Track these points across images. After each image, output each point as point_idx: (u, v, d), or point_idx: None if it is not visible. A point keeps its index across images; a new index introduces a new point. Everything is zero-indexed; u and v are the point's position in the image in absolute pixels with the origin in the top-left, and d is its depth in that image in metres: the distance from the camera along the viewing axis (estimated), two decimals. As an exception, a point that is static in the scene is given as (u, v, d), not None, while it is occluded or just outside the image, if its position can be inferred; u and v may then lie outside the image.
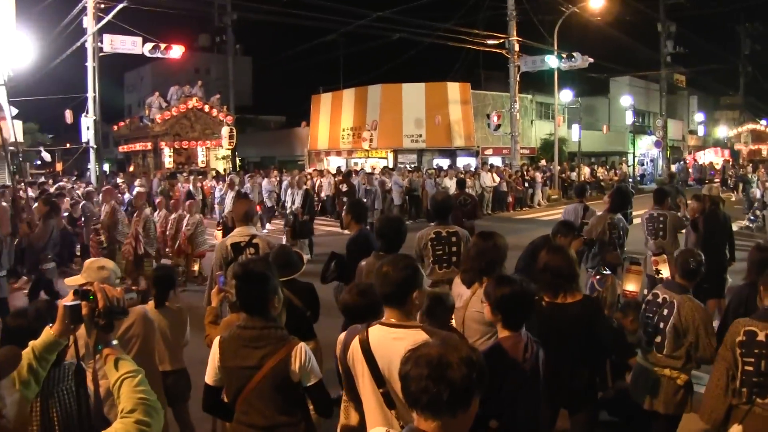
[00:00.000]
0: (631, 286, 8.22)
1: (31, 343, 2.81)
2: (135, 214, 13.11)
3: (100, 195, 15.02)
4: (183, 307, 5.92)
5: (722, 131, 56.92)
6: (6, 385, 2.76)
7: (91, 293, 2.68)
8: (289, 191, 19.28)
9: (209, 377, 3.76)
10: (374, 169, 30.86)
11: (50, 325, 2.80)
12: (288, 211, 17.59)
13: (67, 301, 2.73)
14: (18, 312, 3.68)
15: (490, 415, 3.36)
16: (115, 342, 2.71)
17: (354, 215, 7.11)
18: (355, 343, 3.41)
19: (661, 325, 5.10)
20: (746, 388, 4.19)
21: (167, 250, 13.80)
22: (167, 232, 13.72)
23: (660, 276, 8.28)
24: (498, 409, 3.41)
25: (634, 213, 16.30)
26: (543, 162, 36.78)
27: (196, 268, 13.67)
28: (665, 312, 5.11)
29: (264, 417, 3.64)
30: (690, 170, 46.41)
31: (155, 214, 14.66)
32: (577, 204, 10.64)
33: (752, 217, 19.34)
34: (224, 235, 15.44)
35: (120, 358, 2.64)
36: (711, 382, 4.48)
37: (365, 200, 20.48)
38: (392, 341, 3.26)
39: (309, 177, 30.38)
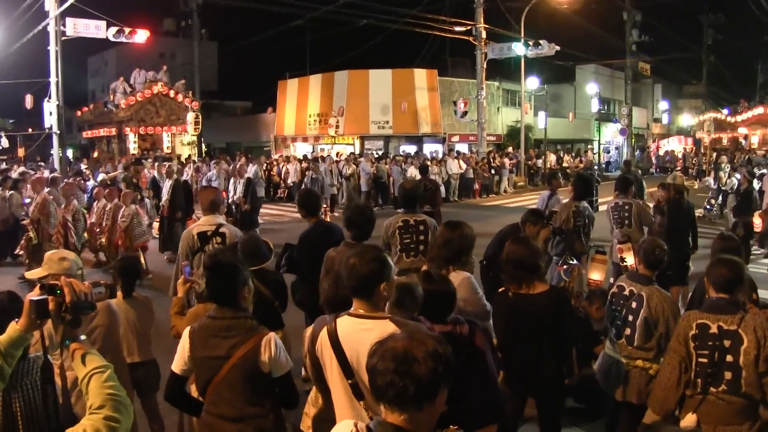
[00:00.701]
0: (596, 274, 8.29)
1: None
2: (63, 205, 12.78)
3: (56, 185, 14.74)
4: (149, 297, 5.86)
5: (686, 120, 57.55)
6: None
7: (58, 287, 2.63)
8: (231, 180, 18.39)
9: (176, 365, 3.75)
10: (340, 155, 30.74)
11: (15, 320, 2.75)
12: (230, 201, 16.92)
13: (34, 295, 2.68)
14: None
15: None
16: (83, 337, 2.67)
17: (305, 209, 7.00)
18: (324, 334, 3.39)
19: (630, 317, 5.15)
20: (700, 378, 4.25)
21: (100, 242, 13.47)
22: (103, 224, 13.26)
23: (625, 264, 8.36)
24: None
25: (600, 200, 16.46)
26: (510, 149, 36.94)
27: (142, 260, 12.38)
28: (634, 305, 5.16)
29: (233, 407, 3.64)
30: (653, 159, 46.94)
31: (95, 204, 14.58)
32: (546, 192, 10.73)
33: (708, 206, 19.54)
34: (162, 226, 15.41)
35: (88, 353, 2.60)
36: (662, 375, 4.53)
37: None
38: (360, 332, 3.25)
39: (275, 163, 30.32)
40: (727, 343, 4.17)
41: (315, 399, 4.01)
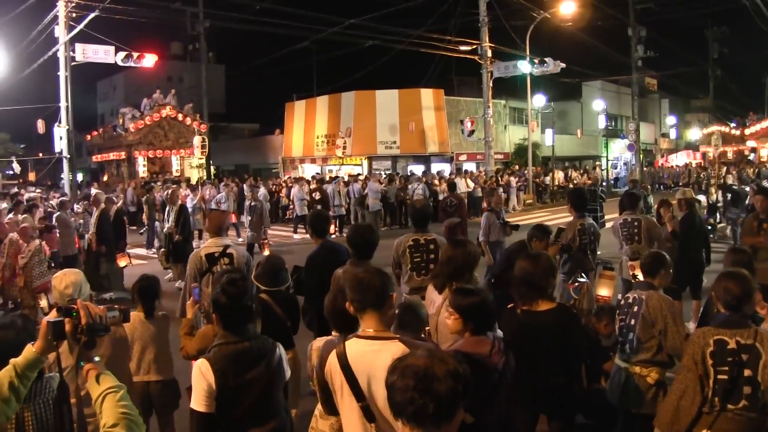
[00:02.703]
0: (604, 291, 8.25)
1: (12, 361, 2.81)
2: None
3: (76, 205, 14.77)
4: (168, 315, 5.93)
5: (694, 134, 57.53)
6: None
7: (74, 310, 2.72)
8: (167, 208, 16.31)
9: (200, 404, 3.63)
10: (350, 176, 30.82)
11: (32, 342, 2.80)
12: (165, 230, 15.46)
13: (51, 317, 2.75)
14: (4, 324, 3.65)
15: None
16: (97, 358, 2.74)
17: (313, 229, 7.14)
18: (333, 357, 3.38)
19: (632, 321, 5.24)
20: (718, 396, 4.19)
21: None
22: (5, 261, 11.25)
23: (637, 280, 8.35)
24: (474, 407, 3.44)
25: (608, 216, 16.40)
26: (515, 167, 36.92)
27: (43, 303, 10.70)
28: (635, 309, 5.25)
29: (262, 420, 3.78)
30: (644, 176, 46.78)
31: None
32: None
33: (709, 227, 18.59)
34: (87, 261, 14.02)
35: (101, 374, 2.68)
36: (673, 394, 4.47)
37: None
38: (370, 354, 3.25)
39: (284, 185, 30.38)
40: (744, 357, 4.13)
41: (322, 413, 4.05)
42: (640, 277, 7.58)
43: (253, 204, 17.97)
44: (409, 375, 2.26)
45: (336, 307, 4.10)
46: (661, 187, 42.45)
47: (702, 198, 17.28)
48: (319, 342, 4.24)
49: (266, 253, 14.29)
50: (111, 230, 14.32)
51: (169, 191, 18.05)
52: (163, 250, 15.00)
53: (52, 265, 11.77)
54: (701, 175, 37.52)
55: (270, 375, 3.77)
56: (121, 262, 14.13)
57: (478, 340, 3.84)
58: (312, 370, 4.16)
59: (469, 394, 2.31)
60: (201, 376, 3.64)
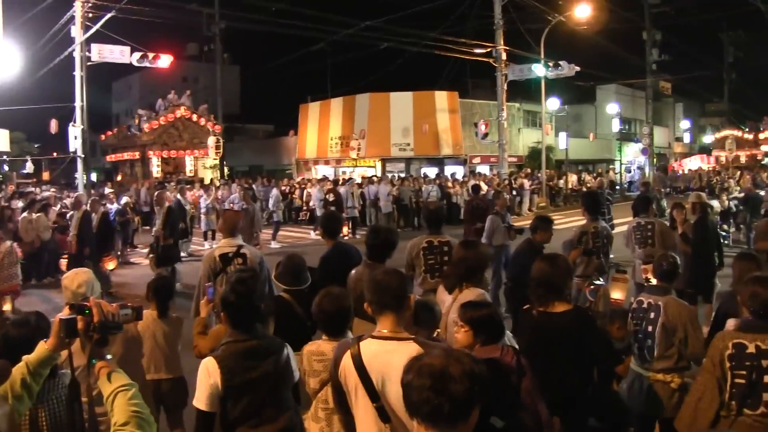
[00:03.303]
0: (617, 293, 8.24)
1: (25, 358, 2.83)
2: None
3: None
4: (180, 318, 6.01)
5: (708, 138, 57.28)
6: None
7: (87, 308, 2.72)
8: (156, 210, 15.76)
9: (204, 403, 3.65)
10: (363, 177, 30.84)
11: (44, 340, 2.82)
12: (153, 233, 14.84)
13: (64, 315, 2.77)
14: (20, 321, 3.68)
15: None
16: (109, 356, 2.74)
17: (325, 231, 7.15)
18: (347, 358, 3.37)
19: (650, 328, 5.19)
20: (735, 400, 4.15)
21: None
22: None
23: (649, 284, 8.32)
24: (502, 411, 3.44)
25: (621, 220, 16.32)
26: (527, 170, 36.80)
27: (6, 307, 10.11)
28: (652, 315, 5.21)
29: (273, 418, 3.77)
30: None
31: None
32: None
33: (723, 233, 16.91)
34: (69, 265, 12.89)
35: (113, 372, 2.68)
36: (692, 396, 4.45)
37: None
38: (385, 354, 3.25)
39: (297, 186, 30.42)
40: (765, 363, 4.08)
41: (314, 413, 4.06)
42: (653, 280, 7.55)
43: (244, 207, 17.34)
44: (426, 374, 2.25)
45: (324, 310, 4.13)
46: (672, 191, 42.28)
47: (716, 204, 16.79)
48: (310, 346, 4.23)
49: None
50: (92, 232, 14.05)
51: (156, 193, 17.55)
52: (152, 255, 14.37)
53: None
54: (714, 180, 37.22)
55: (278, 374, 3.78)
56: (109, 265, 13.97)
57: (489, 349, 3.85)
58: (305, 374, 4.16)
59: (486, 395, 2.30)
60: (207, 373, 3.65)
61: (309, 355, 4.14)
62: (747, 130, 44.55)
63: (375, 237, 6.08)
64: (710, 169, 45.70)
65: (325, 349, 4.05)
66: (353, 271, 5.90)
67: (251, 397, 3.67)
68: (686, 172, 46.78)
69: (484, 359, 3.61)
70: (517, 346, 4.41)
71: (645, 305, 5.34)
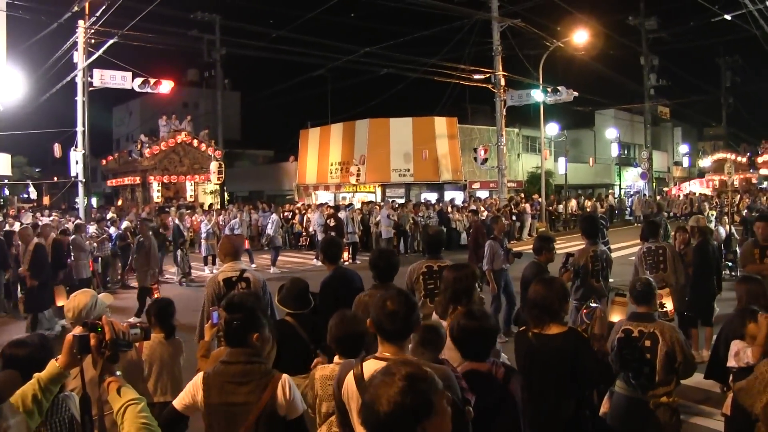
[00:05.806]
0: (617, 317, 8.24)
1: (36, 375, 2.92)
2: None
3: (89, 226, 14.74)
4: (181, 340, 6.04)
5: (706, 162, 57.43)
6: (9, 408, 2.87)
7: (100, 325, 2.84)
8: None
9: (180, 402, 3.68)
10: (363, 203, 30.93)
11: (56, 357, 2.92)
12: (20, 272, 13.39)
13: (77, 332, 2.89)
14: (17, 342, 3.73)
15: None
16: (118, 372, 2.85)
17: (326, 256, 7.18)
18: (350, 379, 3.41)
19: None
20: None
21: None
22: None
23: (664, 310, 8.28)
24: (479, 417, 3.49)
25: (624, 244, 16.35)
26: (522, 196, 36.82)
27: None
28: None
29: None
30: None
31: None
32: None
33: (730, 263, 16.35)
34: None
35: (123, 386, 2.80)
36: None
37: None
38: (387, 375, 3.28)
39: (297, 211, 30.48)
40: None
41: None
42: (668, 306, 7.54)
43: (140, 240, 14.95)
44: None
45: (343, 334, 4.16)
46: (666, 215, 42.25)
47: (722, 230, 16.09)
48: (322, 371, 4.26)
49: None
50: (47, 264, 12.92)
51: (20, 229, 14.81)
52: (21, 296, 12.98)
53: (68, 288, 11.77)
54: (703, 204, 36.77)
55: (257, 406, 3.57)
56: (59, 302, 12.73)
57: (477, 364, 3.92)
58: (314, 399, 4.18)
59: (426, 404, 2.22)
60: (193, 386, 3.68)
61: (323, 379, 4.17)
62: (742, 152, 44.67)
63: (380, 258, 6.15)
64: (700, 194, 45.53)
65: None
66: (361, 295, 5.96)
67: (225, 423, 3.56)
68: (674, 196, 46.34)
69: (469, 370, 3.70)
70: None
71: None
